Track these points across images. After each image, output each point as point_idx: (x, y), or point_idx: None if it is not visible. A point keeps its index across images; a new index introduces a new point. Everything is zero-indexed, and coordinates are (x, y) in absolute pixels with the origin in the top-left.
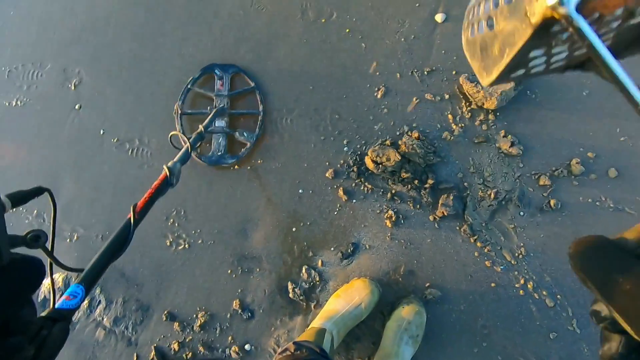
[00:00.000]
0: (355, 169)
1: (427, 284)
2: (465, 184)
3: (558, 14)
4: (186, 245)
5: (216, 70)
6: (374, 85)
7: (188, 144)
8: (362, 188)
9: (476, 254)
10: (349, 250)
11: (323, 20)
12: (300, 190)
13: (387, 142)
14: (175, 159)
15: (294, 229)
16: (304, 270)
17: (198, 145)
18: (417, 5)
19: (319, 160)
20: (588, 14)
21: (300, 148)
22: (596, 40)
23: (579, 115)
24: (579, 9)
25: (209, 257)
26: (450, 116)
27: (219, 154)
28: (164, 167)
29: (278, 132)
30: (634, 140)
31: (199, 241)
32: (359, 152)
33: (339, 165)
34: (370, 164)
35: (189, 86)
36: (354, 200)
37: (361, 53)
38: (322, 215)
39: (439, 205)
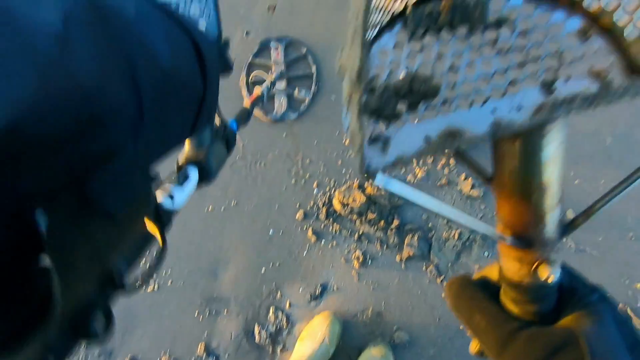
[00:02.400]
0: (324, 211)
1: (395, 327)
2: (430, 224)
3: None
4: (155, 287)
5: (272, 43)
6: (341, 133)
7: (263, 89)
8: (330, 229)
9: (443, 295)
10: (317, 292)
11: None
12: (270, 231)
13: (355, 185)
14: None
15: (263, 270)
16: (271, 312)
17: (260, 104)
18: None
19: (289, 202)
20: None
21: (272, 190)
22: (410, 196)
23: None
24: (388, 167)
25: (178, 298)
26: (413, 160)
27: (283, 111)
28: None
29: (252, 175)
30: (589, 182)
31: (169, 282)
32: (327, 195)
33: (308, 207)
34: (337, 206)
35: (248, 61)
36: (323, 241)
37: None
38: (292, 256)
39: (405, 245)
